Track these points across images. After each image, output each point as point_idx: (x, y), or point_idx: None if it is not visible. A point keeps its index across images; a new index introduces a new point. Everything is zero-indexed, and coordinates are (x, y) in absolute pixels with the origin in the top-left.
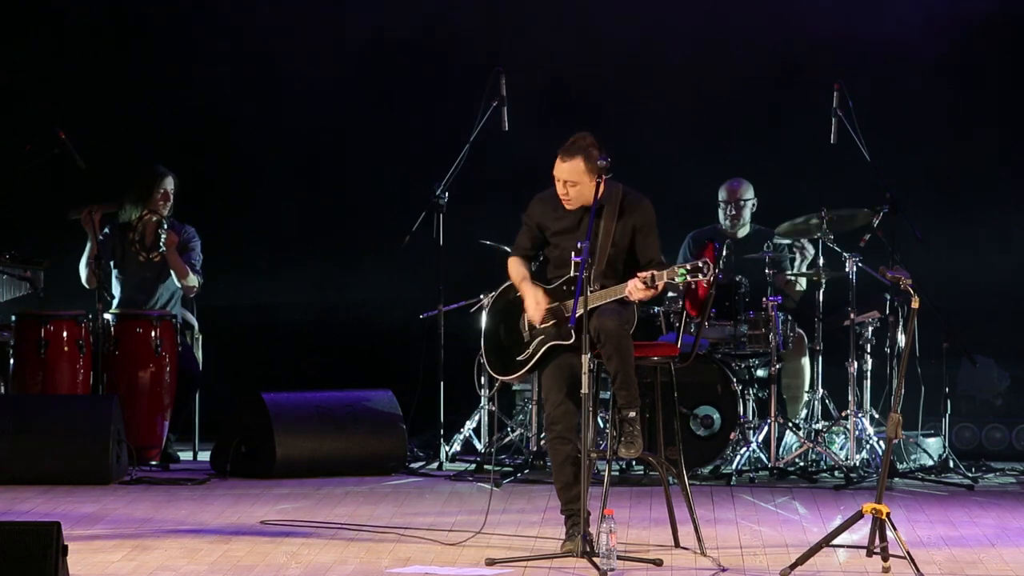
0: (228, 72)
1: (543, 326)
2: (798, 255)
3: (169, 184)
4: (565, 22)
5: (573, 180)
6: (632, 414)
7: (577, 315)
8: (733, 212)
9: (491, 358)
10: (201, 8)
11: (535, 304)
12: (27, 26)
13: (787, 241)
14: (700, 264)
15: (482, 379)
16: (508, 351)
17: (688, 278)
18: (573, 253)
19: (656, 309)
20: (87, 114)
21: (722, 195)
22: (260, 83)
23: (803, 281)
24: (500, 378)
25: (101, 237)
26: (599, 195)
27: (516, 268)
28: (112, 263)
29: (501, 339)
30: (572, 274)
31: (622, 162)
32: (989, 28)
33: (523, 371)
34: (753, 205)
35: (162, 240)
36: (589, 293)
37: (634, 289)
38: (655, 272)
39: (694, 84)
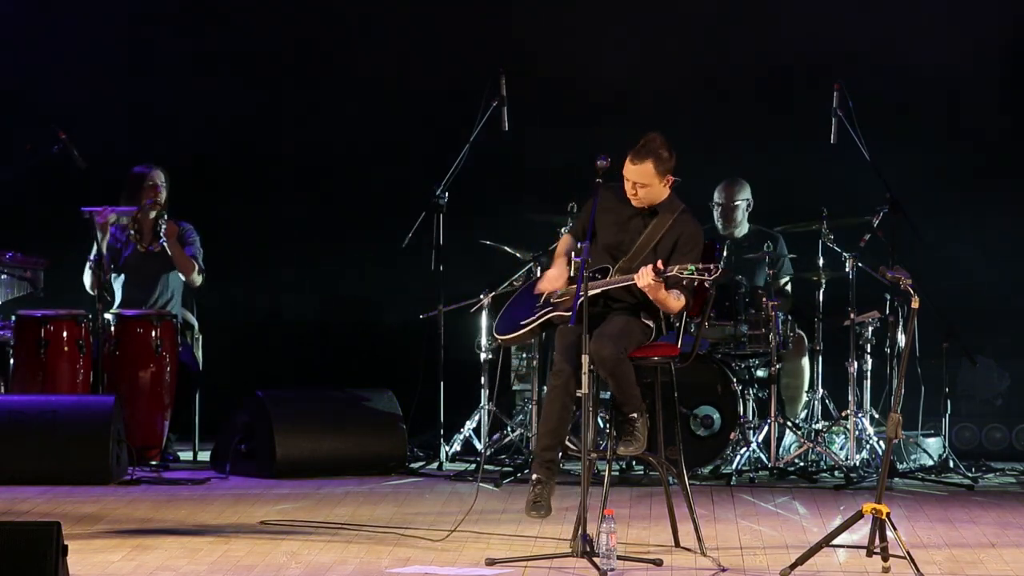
0: (229, 71)
1: (554, 300)
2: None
3: (158, 178)
4: (566, 23)
5: (643, 182)
6: (633, 415)
7: (580, 314)
8: (725, 214)
9: (499, 321)
10: (203, 7)
11: (553, 278)
12: (28, 24)
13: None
14: (711, 265)
15: (482, 379)
16: (516, 315)
17: (696, 275)
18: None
19: None
20: (87, 114)
21: (716, 197)
22: (260, 82)
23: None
24: (499, 337)
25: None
26: (659, 201)
27: (563, 243)
28: (113, 266)
29: (513, 306)
30: (601, 266)
31: (622, 162)
32: (989, 29)
33: (521, 332)
34: (748, 205)
35: (161, 230)
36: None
37: (643, 274)
38: (669, 265)
39: (694, 84)
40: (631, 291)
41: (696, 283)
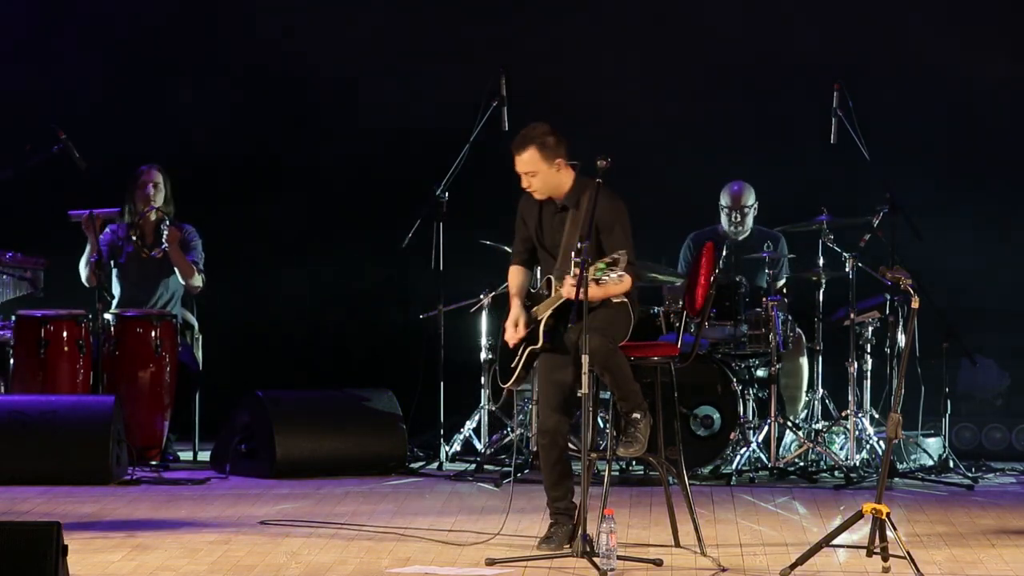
0: (228, 70)
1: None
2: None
3: (155, 176)
4: (566, 23)
5: (532, 170)
6: (636, 415)
7: (579, 313)
8: (738, 219)
9: (499, 365)
10: (201, 9)
11: (512, 327)
12: (30, 25)
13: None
14: (616, 256)
15: (482, 379)
16: (507, 359)
17: (606, 273)
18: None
19: (656, 309)
20: (88, 114)
21: (725, 200)
22: (260, 82)
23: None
24: (503, 386)
25: (102, 236)
26: (568, 191)
27: (513, 280)
28: (112, 262)
29: (505, 348)
30: (546, 277)
31: (622, 162)
32: (990, 28)
33: (513, 378)
34: (755, 209)
35: (164, 236)
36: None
37: (568, 290)
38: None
39: (694, 83)
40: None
41: (618, 274)
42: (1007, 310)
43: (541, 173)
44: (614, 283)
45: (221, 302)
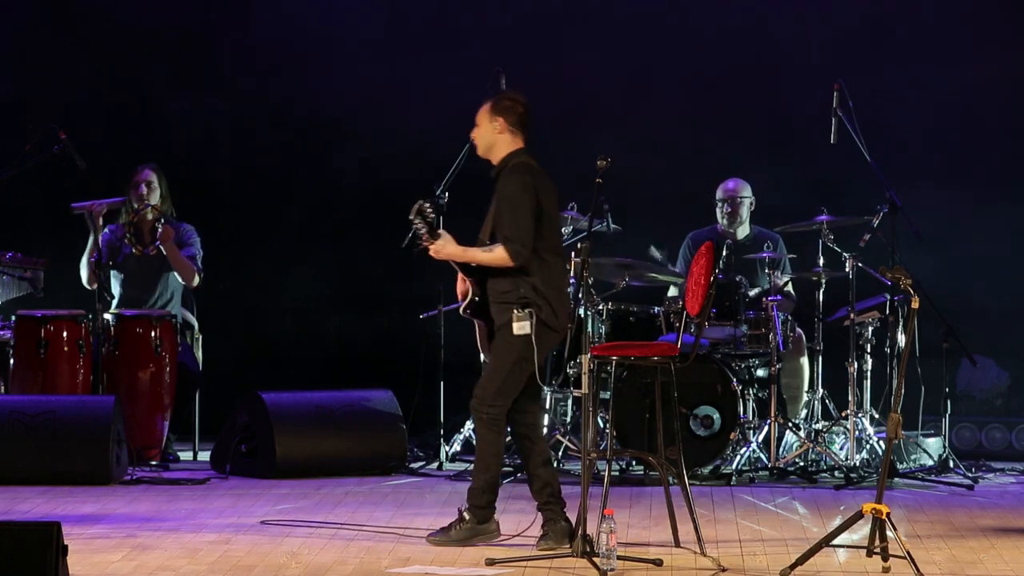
0: (229, 71)
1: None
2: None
3: (148, 176)
4: (566, 22)
5: (477, 121)
6: (464, 511)
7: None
8: (729, 210)
9: None
10: (203, 11)
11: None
12: (33, 25)
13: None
14: (430, 211)
15: None
16: None
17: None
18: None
19: (656, 309)
20: (88, 114)
21: (719, 194)
22: (261, 83)
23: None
24: None
25: (101, 236)
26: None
27: None
28: (111, 263)
29: None
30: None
31: (622, 161)
32: (990, 26)
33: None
34: (751, 204)
35: (158, 233)
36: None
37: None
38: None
39: (694, 84)
40: (484, 276)
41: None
42: (1007, 310)
43: (482, 127)
44: (480, 252)
45: (221, 302)
